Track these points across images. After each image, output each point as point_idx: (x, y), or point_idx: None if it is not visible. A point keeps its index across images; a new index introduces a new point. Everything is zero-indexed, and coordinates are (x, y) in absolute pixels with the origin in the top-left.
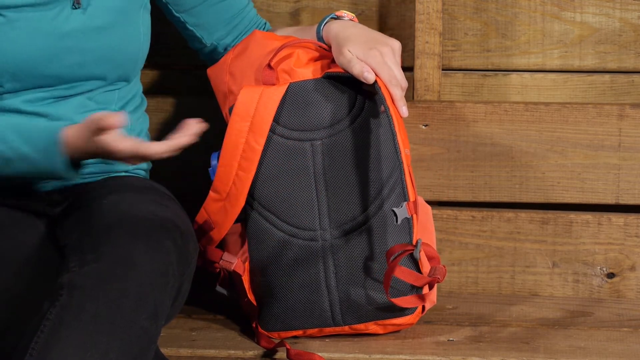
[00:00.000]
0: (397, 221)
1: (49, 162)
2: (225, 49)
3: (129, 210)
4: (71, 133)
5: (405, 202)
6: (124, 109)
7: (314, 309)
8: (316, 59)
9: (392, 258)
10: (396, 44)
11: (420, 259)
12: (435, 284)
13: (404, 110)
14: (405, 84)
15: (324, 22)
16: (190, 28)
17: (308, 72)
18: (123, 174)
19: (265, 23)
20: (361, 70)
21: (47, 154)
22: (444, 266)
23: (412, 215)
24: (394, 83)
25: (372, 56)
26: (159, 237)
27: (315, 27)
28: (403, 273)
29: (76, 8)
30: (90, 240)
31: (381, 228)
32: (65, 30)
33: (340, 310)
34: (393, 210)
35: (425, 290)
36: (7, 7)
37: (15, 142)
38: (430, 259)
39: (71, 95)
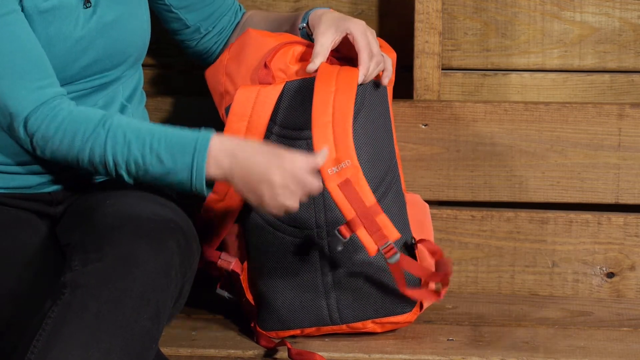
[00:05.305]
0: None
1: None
2: (206, 33)
3: (132, 211)
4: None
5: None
6: (129, 102)
7: (311, 308)
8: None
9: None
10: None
11: (417, 255)
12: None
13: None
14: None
15: (308, 14)
16: (175, 11)
17: (303, 69)
18: None
19: (240, 7)
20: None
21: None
22: (448, 258)
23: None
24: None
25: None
26: (162, 237)
27: (296, 18)
28: (412, 266)
29: (87, 7)
30: (93, 239)
31: None
32: (80, 33)
33: (338, 308)
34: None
35: (432, 286)
36: (30, 13)
37: (154, 144)
38: (432, 253)
39: (82, 90)
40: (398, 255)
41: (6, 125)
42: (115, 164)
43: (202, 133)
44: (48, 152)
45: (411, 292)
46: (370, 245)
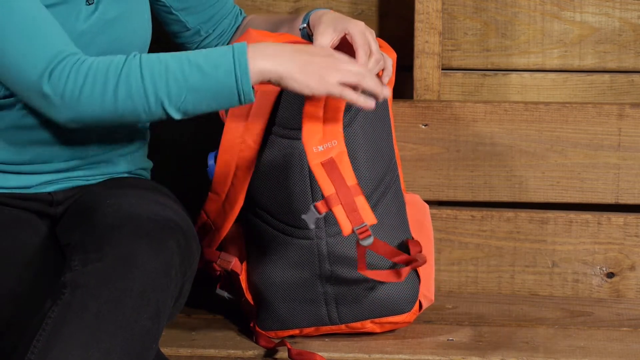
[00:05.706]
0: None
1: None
2: (207, 35)
3: (132, 211)
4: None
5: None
6: None
7: (310, 308)
8: None
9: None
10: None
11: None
12: (416, 267)
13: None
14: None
15: (309, 15)
16: (175, 13)
17: None
18: (125, 175)
19: (241, 11)
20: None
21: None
22: (425, 255)
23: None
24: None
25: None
26: (162, 237)
27: (296, 19)
28: (378, 246)
29: (89, 4)
30: (93, 239)
31: (376, 225)
32: (81, 28)
33: (336, 308)
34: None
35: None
36: None
37: (191, 58)
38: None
39: None
40: (372, 239)
41: (29, 88)
42: (155, 89)
43: (236, 43)
44: (82, 103)
45: (370, 273)
46: (346, 224)
